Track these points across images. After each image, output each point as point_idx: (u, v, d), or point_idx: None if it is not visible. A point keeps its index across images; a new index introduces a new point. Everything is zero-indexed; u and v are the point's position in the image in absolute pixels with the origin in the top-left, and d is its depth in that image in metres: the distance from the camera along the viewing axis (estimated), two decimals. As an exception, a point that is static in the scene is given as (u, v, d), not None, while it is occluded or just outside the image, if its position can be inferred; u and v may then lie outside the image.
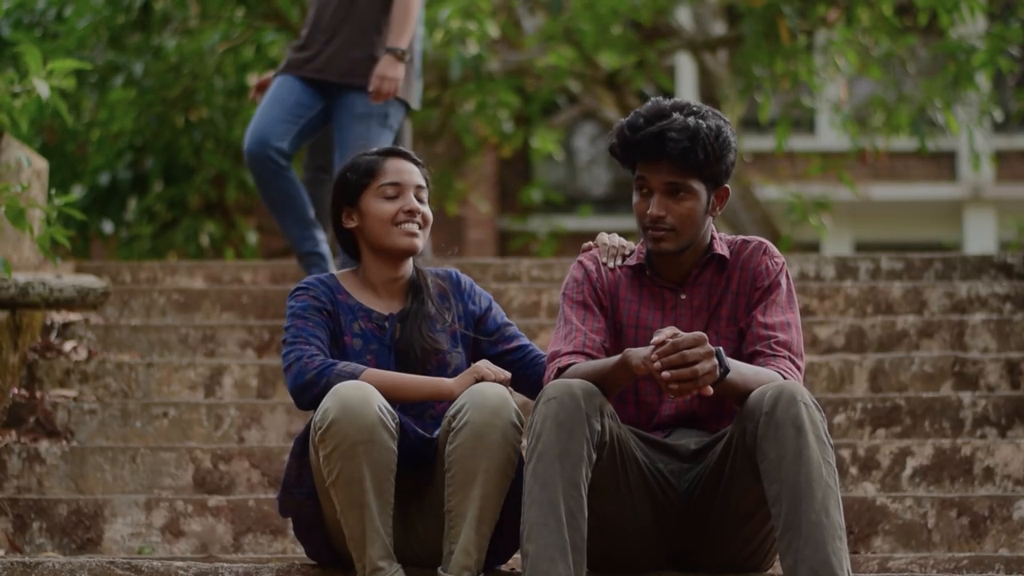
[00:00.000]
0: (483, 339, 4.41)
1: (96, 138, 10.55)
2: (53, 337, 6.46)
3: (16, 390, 6.04)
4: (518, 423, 4.04)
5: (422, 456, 4.19)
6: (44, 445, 5.63)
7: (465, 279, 4.48)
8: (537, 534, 3.82)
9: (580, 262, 4.34)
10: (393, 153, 4.43)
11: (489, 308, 4.44)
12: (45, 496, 5.33)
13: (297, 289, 4.35)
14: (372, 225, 4.36)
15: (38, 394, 6.05)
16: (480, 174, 17.24)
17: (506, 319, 4.46)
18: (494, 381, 4.15)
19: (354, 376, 4.15)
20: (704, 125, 4.08)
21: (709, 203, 4.18)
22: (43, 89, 6.01)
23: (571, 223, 17.73)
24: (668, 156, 4.08)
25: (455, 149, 13.64)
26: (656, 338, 3.84)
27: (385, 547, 4.03)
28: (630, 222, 17.63)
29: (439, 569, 4.05)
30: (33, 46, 6.23)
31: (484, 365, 4.21)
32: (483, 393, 4.05)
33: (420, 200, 4.39)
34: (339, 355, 4.28)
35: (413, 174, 4.40)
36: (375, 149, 4.45)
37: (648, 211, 4.13)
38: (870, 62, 12.13)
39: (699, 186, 4.13)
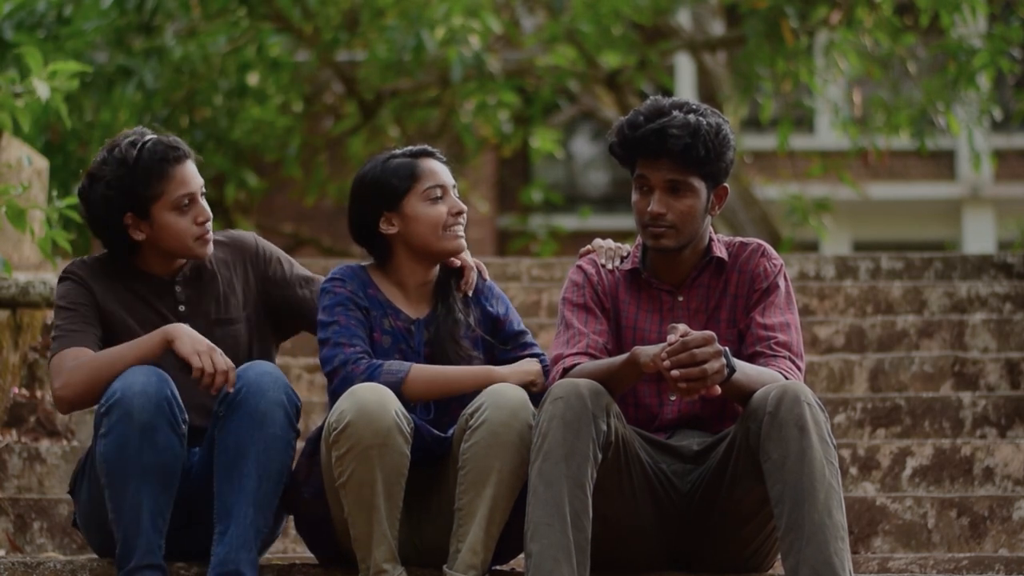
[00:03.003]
0: (498, 344, 4.39)
1: (98, 138, 10.55)
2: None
3: (16, 390, 6.05)
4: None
5: (434, 455, 4.18)
6: (45, 445, 5.63)
7: (486, 281, 4.45)
8: (542, 534, 3.82)
9: (579, 266, 4.33)
10: (424, 153, 4.37)
11: (507, 312, 4.41)
12: (46, 496, 5.33)
13: (333, 278, 4.30)
14: (420, 229, 4.29)
15: (39, 394, 6.05)
16: (480, 174, 17.24)
17: (522, 326, 4.43)
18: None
19: (401, 374, 4.14)
20: (704, 122, 4.09)
21: (708, 201, 4.19)
22: (43, 90, 6.01)
23: (571, 223, 17.73)
24: (669, 153, 4.08)
25: (455, 149, 13.64)
26: (670, 336, 3.85)
27: (391, 550, 4.03)
28: (629, 222, 17.61)
29: (444, 567, 4.05)
30: (34, 48, 6.24)
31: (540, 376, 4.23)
32: (502, 393, 4.04)
33: (458, 198, 4.36)
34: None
35: (448, 174, 4.36)
36: (400, 151, 4.39)
37: (649, 208, 4.14)
38: (871, 63, 12.13)
39: (699, 184, 4.14)
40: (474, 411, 4.05)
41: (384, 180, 4.32)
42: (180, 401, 4.09)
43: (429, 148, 4.40)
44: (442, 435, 4.16)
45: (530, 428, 4.00)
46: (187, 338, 4.12)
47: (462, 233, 4.34)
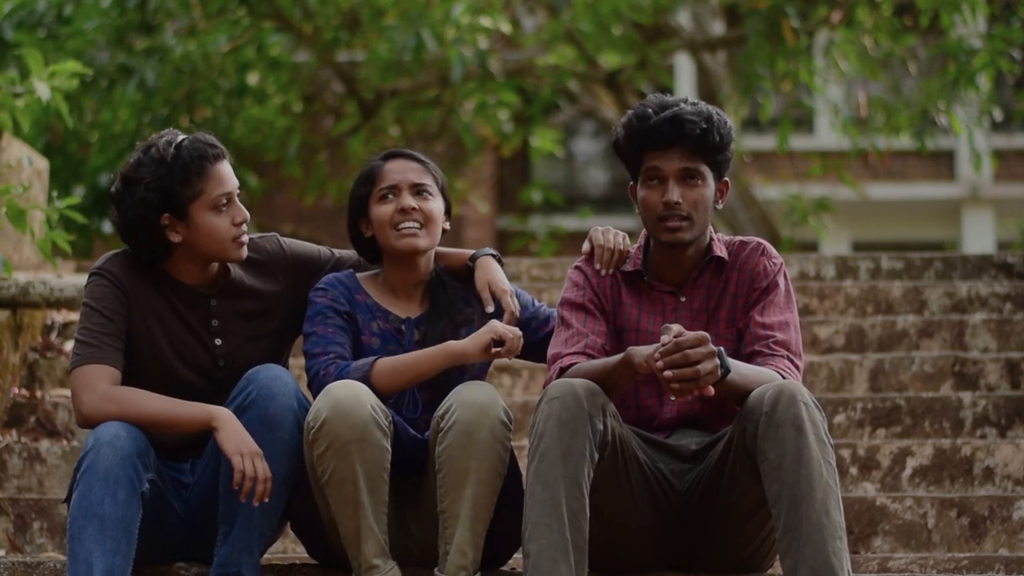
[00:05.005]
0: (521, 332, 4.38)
1: (97, 139, 10.56)
2: (54, 337, 6.46)
3: (16, 390, 6.04)
4: (507, 420, 4.03)
5: (414, 459, 4.18)
6: (45, 445, 5.63)
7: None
8: (539, 534, 3.82)
9: (578, 267, 4.33)
10: (392, 155, 4.39)
11: (515, 298, 4.36)
12: (46, 496, 5.33)
13: (316, 288, 4.32)
14: (377, 231, 4.32)
15: (39, 394, 6.05)
16: (479, 174, 17.24)
17: (534, 301, 4.42)
18: (511, 340, 4.12)
19: (366, 369, 4.14)
20: (713, 110, 4.15)
21: (715, 193, 4.20)
22: (43, 91, 6.01)
23: (570, 223, 17.73)
24: (684, 140, 4.10)
25: (455, 149, 13.64)
26: (664, 337, 3.85)
27: (380, 544, 4.03)
28: (629, 222, 17.45)
29: (436, 570, 4.05)
30: (34, 48, 6.24)
31: (499, 325, 4.16)
32: (469, 392, 4.04)
33: (421, 196, 4.33)
34: (357, 355, 4.26)
35: (410, 172, 4.34)
36: (377, 154, 4.41)
37: (664, 198, 4.13)
38: (871, 64, 12.14)
39: (708, 173, 4.16)
40: (443, 413, 4.05)
41: (354, 189, 4.37)
42: (148, 460, 4.03)
43: (400, 149, 4.40)
44: (419, 436, 4.17)
45: (502, 424, 4.01)
46: (233, 433, 4.04)
47: (414, 230, 4.29)
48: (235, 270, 4.33)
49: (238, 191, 4.26)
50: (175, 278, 4.27)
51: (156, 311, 4.24)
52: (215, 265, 4.30)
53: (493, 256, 4.41)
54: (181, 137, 4.25)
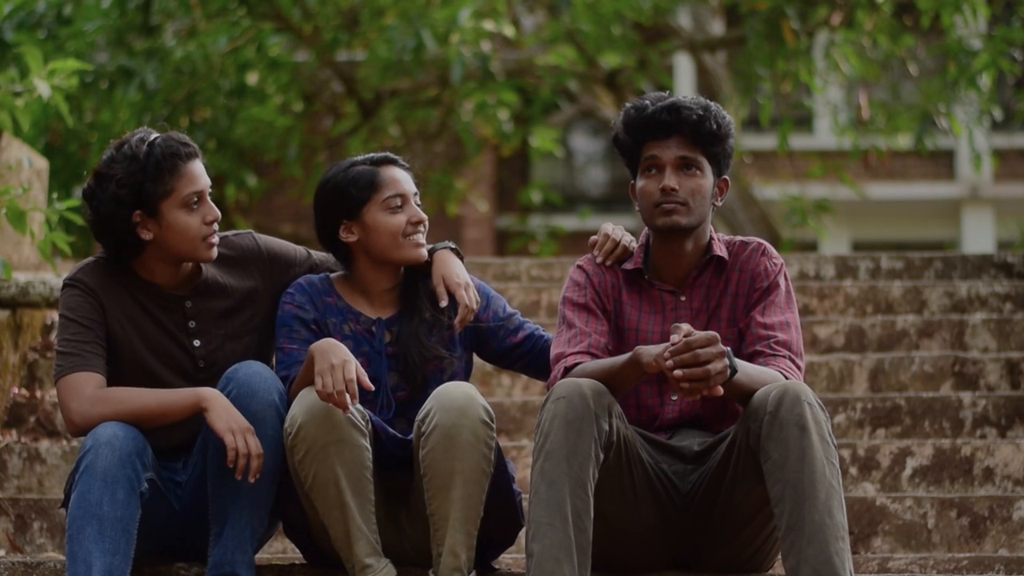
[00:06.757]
0: (489, 336, 4.39)
1: (97, 139, 10.56)
2: (53, 336, 6.46)
3: (16, 390, 6.04)
4: (488, 419, 4.02)
5: (399, 457, 4.17)
6: (45, 445, 5.63)
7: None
8: (543, 534, 3.82)
9: (579, 266, 4.34)
10: (386, 161, 4.35)
11: (488, 305, 4.39)
12: (46, 496, 5.33)
13: (287, 291, 4.31)
14: (380, 239, 4.28)
15: (38, 394, 6.05)
16: (479, 174, 17.24)
17: (508, 309, 4.41)
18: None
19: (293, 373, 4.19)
20: (712, 103, 4.18)
21: (714, 187, 4.21)
22: (44, 89, 6.01)
23: (570, 223, 17.72)
24: (681, 127, 4.13)
25: (455, 149, 13.64)
26: (674, 336, 3.85)
27: (370, 544, 4.02)
28: (629, 222, 17.48)
29: (430, 572, 4.05)
30: (34, 47, 6.24)
31: None
32: (448, 394, 4.02)
33: (419, 206, 4.35)
34: None
35: (410, 181, 4.35)
36: (362, 158, 4.37)
37: (660, 185, 4.14)
38: (871, 65, 12.14)
39: (707, 165, 4.17)
40: (424, 417, 4.03)
41: (343, 189, 4.30)
42: (146, 459, 4.04)
43: (391, 155, 4.38)
44: (401, 436, 4.15)
45: (483, 423, 4.00)
46: (222, 411, 4.04)
47: (422, 241, 4.32)
48: (207, 269, 4.33)
49: (210, 189, 4.27)
50: (148, 280, 4.27)
51: (132, 317, 4.25)
52: (187, 265, 4.31)
53: (452, 250, 4.41)
54: (154, 135, 4.27)
